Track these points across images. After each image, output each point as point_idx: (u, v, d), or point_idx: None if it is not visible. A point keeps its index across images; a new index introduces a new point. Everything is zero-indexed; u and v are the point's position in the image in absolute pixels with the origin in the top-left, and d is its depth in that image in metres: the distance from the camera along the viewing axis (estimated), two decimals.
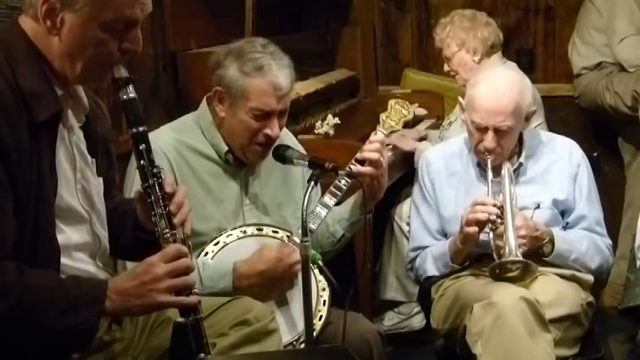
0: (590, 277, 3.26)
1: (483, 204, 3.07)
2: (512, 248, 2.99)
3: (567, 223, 3.27)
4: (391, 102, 3.18)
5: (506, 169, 3.17)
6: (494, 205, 3.06)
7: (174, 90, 3.91)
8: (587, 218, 3.27)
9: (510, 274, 3.07)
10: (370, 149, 3.00)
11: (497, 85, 3.17)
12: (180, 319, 1.96)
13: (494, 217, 3.05)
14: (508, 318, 2.85)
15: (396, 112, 3.15)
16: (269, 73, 2.85)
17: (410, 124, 4.12)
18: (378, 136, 3.06)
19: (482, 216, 3.05)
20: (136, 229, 2.36)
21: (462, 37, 4.27)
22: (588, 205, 3.28)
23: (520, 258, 3.00)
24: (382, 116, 3.15)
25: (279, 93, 2.87)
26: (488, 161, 3.17)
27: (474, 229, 3.06)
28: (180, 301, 2.12)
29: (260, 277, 2.82)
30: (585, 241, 3.22)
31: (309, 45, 4.79)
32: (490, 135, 3.15)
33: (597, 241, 3.26)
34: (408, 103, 3.19)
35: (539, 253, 3.16)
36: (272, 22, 4.57)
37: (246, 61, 2.85)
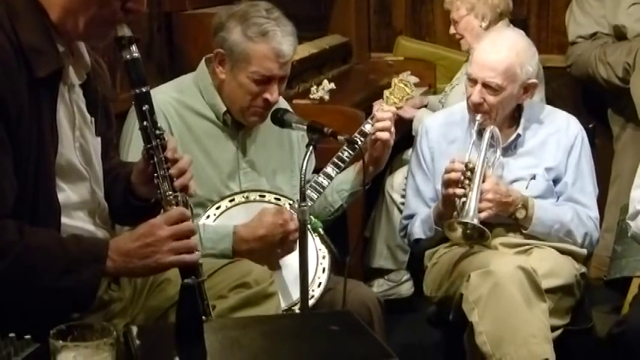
0: (583, 251, 3.26)
1: (454, 162, 3.06)
2: (470, 210, 2.97)
3: (556, 193, 3.27)
4: (395, 80, 3.21)
5: (489, 131, 3.13)
6: (466, 166, 3.04)
7: (169, 51, 3.88)
8: (571, 187, 3.25)
9: (468, 239, 3.06)
10: (383, 118, 3.01)
11: (498, 42, 3.17)
12: (187, 280, 1.94)
13: (463, 177, 3.03)
14: (505, 286, 2.85)
15: (400, 90, 3.18)
16: (273, 39, 2.84)
17: None
18: (389, 107, 3.08)
19: (454, 175, 3.03)
20: (127, 193, 2.34)
21: (472, 1, 4.26)
22: (575, 174, 3.25)
23: (472, 222, 2.97)
24: (386, 93, 3.17)
25: (281, 60, 2.86)
26: (477, 122, 3.15)
27: (446, 190, 3.05)
28: (182, 259, 2.10)
29: (260, 242, 2.80)
30: (569, 213, 3.20)
31: (303, 10, 4.77)
32: (477, 88, 3.14)
33: (581, 213, 3.22)
34: (412, 83, 3.20)
35: (513, 219, 3.15)
36: None
37: (251, 25, 2.84)
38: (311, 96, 4.00)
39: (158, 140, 2.16)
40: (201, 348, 1.71)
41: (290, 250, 2.85)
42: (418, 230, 3.27)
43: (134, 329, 1.82)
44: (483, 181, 3.05)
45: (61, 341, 1.64)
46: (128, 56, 2.15)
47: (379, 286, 4.44)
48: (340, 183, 3.12)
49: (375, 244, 4.43)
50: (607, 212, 4.58)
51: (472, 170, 3.05)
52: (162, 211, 2.17)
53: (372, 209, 4.48)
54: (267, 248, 2.81)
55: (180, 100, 2.94)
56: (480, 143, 3.12)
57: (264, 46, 2.83)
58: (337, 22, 5.04)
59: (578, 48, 4.68)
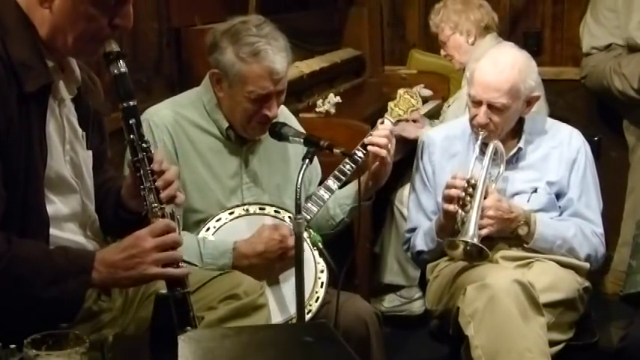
0: (585, 265, 3.24)
1: (455, 178, 3.06)
2: (470, 229, 2.97)
3: (560, 207, 3.25)
4: (400, 91, 3.19)
5: (492, 146, 3.12)
6: (468, 182, 3.03)
7: (178, 66, 3.91)
8: (577, 202, 3.23)
9: (468, 257, 3.06)
10: (379, 135, 3.01)
11: (498, 61, 3.15)
12: (163, 291, 1.97)
13: (464, 194, 3.03)
14: (501, 300, 2.84)
15: (405, 101, 3.16)
16: (265, 58, 2.84)
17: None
18: (386, 124, 3.08)
19: (454, 192, 3.03)
20: (117, 206, 2.38)
21: (454, 20, 4.30)
22: (580, 189, 3.23)
23: (472, 241, 2.96)
24: (391, 104, 3.16)
25: (275, 77, 2.87)
26: (480, 137, 3.15)
27: (447, 205, 3.05)
28: (167, 272, 2.13)
29: (259, 258, 2.83)
30: (572, 229, 3.18)
31: (316, 23, 4.80)
32: (483, 110, 3.13)
33: (585, 228, 3.20)
34: (417, 93, 3.20)
35: (514, 235, 3.14)
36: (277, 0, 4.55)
37: (242, 46, 2.84)
38: (317, 109, 4.01)
39: (144, 153, 2.19)
40: (173, 358, 1.72)
41: (289, 266, 2.86)
42: (420, 242, 3.27)
43: (110, 339, 1.84)
44: (485, 197, 3.05)
45: (34, 350, 1.66)
46: (116, 71, 2.18)
47: (390, 301, 4.45)
48: (343, 197, 3.13)
49: (386, 259, 4.43)
50: (623, 226, 4.54)
51: (474, 186, 3.05)
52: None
53: (382, 225, 4.47)
54: (266, 264, 2.83)
55: (184, 116, 2.97)
56: (483, 158, 3.12)
57: (257, 66, 2.84)
58: (351, 36, 5.06)
59: (593, 59, 4.65)
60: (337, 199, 3.13)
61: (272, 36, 2.89)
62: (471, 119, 3.20)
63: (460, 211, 3.04)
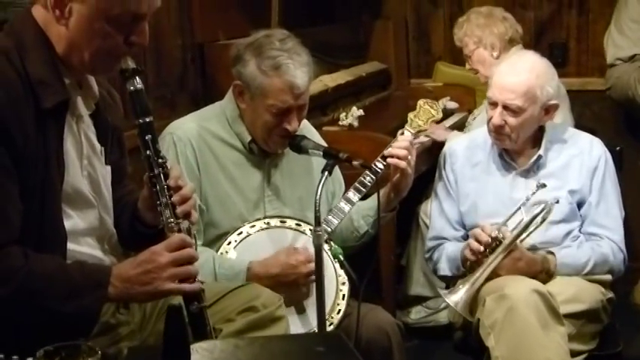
0: (608, 277, 3.23)
1: (482, 232, 3.07)
2: (461, 291, 2.99)
3: (581, 216, 3.24)
4: (420, 102, 3.22)
5: (542, 208, 3.07)
6: (495, 239, 3.05)
7: (202, 81, 3.95)
8: (594, 209, 3.22)
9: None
10: (398, 146, 3.02)
11: (517, 65, 3.19)
12: (175, 302, 1.99)
13: (488, 245, 3.05)
14: (520, 310, 2.84)
15: (425, 112, 3.18)
16: (287, 72, 2.86)
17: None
18: (406, 135, 3.09)
19: (475, 246, 3.06)
20: (134, 220, 2.40)
21: (478, 34, 4.28)
22: (599, 196, 3.23)
23: (454, 306, 2.99)
24: (410, 115, 3.18)
25: (296, 91, 2.88)
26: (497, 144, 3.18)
27: (468, 254, 3.09)
28: (182, 288, 2.15)
29: (272, 280, 2.81)
30: (589, 255, 3.16)
31: (341, 37, 4.82)
32: (498, 111, 3.15)
33: (603, 249, 3.18)
34: (437, 103, 3.22)
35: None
36: (301, 14, 4.58)
37: (265, 59, 2.87)
38: (340, 123, 4.03)
39: (160, 169, 2.22)
40: None
41: (307, 293, 2.88)
42: (444, 266, 3.29)
43: (124, 350, 1.86)
44: (508, 252, 3.04)
45: None
46: (132, 87, 2.22)
47: (417, 312, 4.45)
48: (366, 208, 3.14)
49: (412, 271, 4.43)
50: None
51: (499, 242, 3.05)
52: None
53: (408, 236, 4.48)
54: (279, 287, 2.79)
55: (208, 129, 2.99)
56: (531, 209, 3.09)
57: (278, 80, 2.86)
58: (376, 49, 5.07)
59: (617, 70, 4.63)
60: (361, 210, 3.14)
61: (295, 50, 2.90)
62: (488, 122, 3.22)
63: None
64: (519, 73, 3.15)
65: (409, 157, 3.03)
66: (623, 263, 3.27)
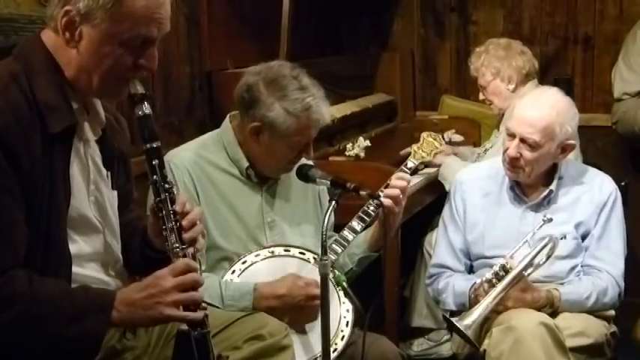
0: (612, 312, 3.24)
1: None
2: (472, 316, 2.97)
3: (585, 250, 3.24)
4: (424, 134, 3.25)
5: (547, 243, 3.08)
6: (502, 267, 3.04)
7: (209, 109, 3.98)
8: (596, 242, 3.23)
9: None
10: (394, 185, 3.01)
11: (540, 99, 3.19)
12: (183, 327, 1.97)
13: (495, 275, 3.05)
14: (526, 342, 2.83)
15: (428, 144, 3.21)
16: (316, 112, 2.90)
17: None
18: (405, 175, 3.08)
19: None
20: (144, 246, 2.40)
21: (496, 65, 4.26)
22: (602, 230, 3.24)
23: (465, 331, 2.95)
24: (414, 147, 3.20)
25: (321, 125, 2.94)
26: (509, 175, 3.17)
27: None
28: (186, 316, 2.13)
29: (279, 301, 2.81)
30: (594, 294, 3.16)
31: (348, 68, 4.84)
32: (515, 143, 3.15)
33: (603, 283, 3.19)
34: (440, 136, 3.24)
35: None
36: (309, 44, 4.61)
37: (292, 102, 2.87)
38: (347, 153, 4.04)
39: (167, 194, 2.21)
40: None
41: (313, 317, 2.86)
42: (450, 301, 3.27)
43: None
44: (514, 283, 3.04)
45: None
46: (140, 112, 2.21)
47: (419, 345, 4.42)
48: (352, 246, 3.10)
49: (415, 302, 4.41)
50: None
51: (507, 272, 3.04)
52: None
53: (411, 268, 4.46)
54: (286, 308, 2.81)
55: (205, 157, 3.00)
56: (536, 242, 3.10)
57: (307, 119, 2.89)
58: (383, 81, 5.09)
59: (624, 105, 4.64)
60: (347, 248, 3.10)
61: (314, 87, 2.93)
62: (503, 152, 3.22)
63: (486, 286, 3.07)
64: (540, 108, 3.14)
65: (401, 196, 3.00)
66: (619, 297, 3.26)
